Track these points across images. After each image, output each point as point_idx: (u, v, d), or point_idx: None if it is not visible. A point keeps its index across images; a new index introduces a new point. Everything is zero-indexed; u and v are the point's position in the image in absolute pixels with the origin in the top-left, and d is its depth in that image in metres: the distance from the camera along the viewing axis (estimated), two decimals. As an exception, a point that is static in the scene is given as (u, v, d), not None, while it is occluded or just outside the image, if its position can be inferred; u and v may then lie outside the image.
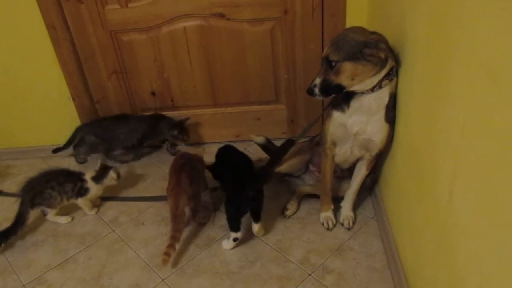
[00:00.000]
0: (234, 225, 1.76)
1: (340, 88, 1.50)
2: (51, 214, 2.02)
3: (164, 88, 2.40)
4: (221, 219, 1.97)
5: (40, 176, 1.97)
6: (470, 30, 0.92)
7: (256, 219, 1.78)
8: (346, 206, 1.90)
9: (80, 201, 2.02)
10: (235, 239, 1.78)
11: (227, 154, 2.01)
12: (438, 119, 1.13)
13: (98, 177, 2.01)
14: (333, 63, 1.46)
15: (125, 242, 1.91)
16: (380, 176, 1.92)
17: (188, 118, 2.40)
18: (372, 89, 1.51)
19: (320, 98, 1.54)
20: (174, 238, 1.71)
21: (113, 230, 1.98)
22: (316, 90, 1.52)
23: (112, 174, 2.03)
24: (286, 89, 2.39)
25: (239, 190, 1.72)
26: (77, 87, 2.38)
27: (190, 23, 2.19)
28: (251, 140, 2.30)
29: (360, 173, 1.80)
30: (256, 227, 1.79)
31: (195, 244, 1.86)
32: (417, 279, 1.39)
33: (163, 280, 1.70)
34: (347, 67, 1.45)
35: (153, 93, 2.43)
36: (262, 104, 2.45)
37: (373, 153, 1.69)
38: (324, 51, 1.50)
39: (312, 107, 2.42)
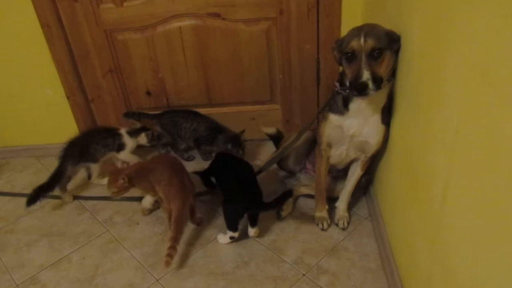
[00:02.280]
0: (232, 226, 1.77)
1: (381, 81, 1.39)
2: (94, 176, 2.21)
3: (159, 87, 2.39)
4: (216, 219, 1.97)
5: (84, 135, 2.16)
6: (464, 31, 0.92)
7: (253, 223, 1.79)
8: (341, 207, 1.91)
9: (121, 155, 2.21)
10: (231, 238, 1.79)
11: (228, 158, 2.01)
12: (432, 119, 1.14)
13: (133, 132, 2.19)
14: (378, 53, 1.36)
15: (119, 242, 1.90)
16: (375, 176, 1.92)
17: (243, 131, 2.29)
18: None
19: (373, 94, 1.37)
20: (176, 240, 1.69)
21: (108, 230, 1.97)
22: (371, 85, 1.35)
23: (142, 135, 2.21)
24: (281, 89, 2.39)
25: (241, 195, 1.74)
26: (72, 86, 2.36)
27: (186, 23, 2.19)
28: (249, 140, 2.29)
29: (355, 173, 1.81)
30: (252, 231, 1.80)
31: (189, 244, 1.85)
32: (411, 279, 1.39)
33: (157, 280, 1.69)
34: (388, 56, 1.39)
35: (148, 93, 2.42)
36: (257, 104, 2.45)
37: (369, 155, 1.70)
38: (361, 43, 1.36)
39: (307, 107, 2.42)
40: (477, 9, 0.85)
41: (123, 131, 2.21)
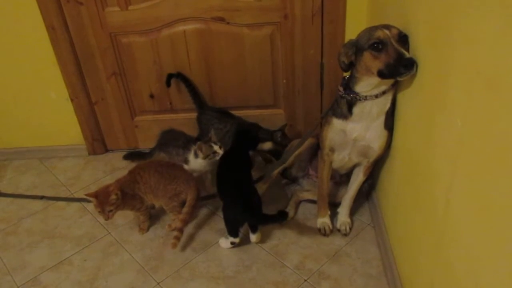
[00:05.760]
0: (232, 232, 1.76)
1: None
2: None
3: (162, 91, 2.40)
4: (218, 223, 1.97)
5: (173, 132, 2.25)
6: (468, 37, 0.92)
7: (254, 230, 1.79)
8: (343, 212, 1.90)
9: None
10: (232, 243, 1.78)
11: (225, 165, 1.92)
12: (435, 125, 1.13)
13: (197, 153, 2.07)
14: (405, 38, 1.37)
15: (121, 244, 1.90)
16: (378, 182, 1.92)
17: (285, 125, 2.24)
18: (376, 95, 1.51)
19: (413, 72, 1.33)
20: (186, 222, 1.81)
21: (109, 233, 1.97)
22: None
23: (197, 155, 2.03)
24: (285, 94, 2.39)
25: (239, 206, 1.70)
26: (76, 88, 2.37)
27: (190, 27, 2.19)
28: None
29: (358, 179, 1.80)
30: (253, 237, 1.80)
31: (191, 248, 1.85)
32: (413, 286, 1.38)
33: (158, 283, 1.69)
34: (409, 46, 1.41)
35: (151, 96, 2.42)
36: (260, 109, 2.45)
37: (371, 160, 1.69)
38: (387, 32, 1.38)
39: (310, 112, 2.42)
40: (481, 14, 0.85)
41: (194, 147, 2.08)
